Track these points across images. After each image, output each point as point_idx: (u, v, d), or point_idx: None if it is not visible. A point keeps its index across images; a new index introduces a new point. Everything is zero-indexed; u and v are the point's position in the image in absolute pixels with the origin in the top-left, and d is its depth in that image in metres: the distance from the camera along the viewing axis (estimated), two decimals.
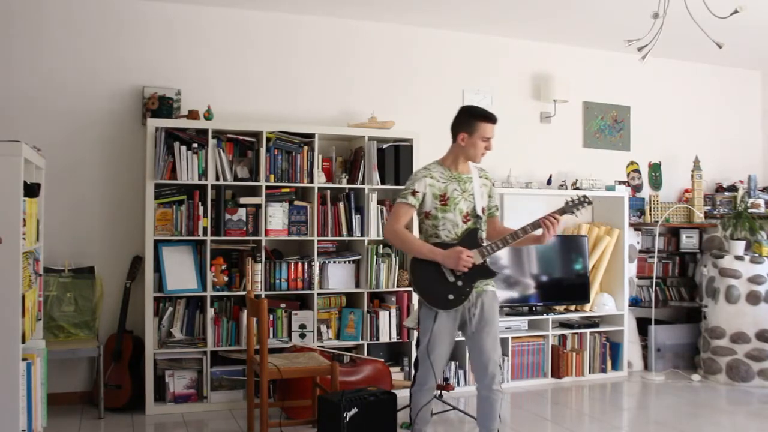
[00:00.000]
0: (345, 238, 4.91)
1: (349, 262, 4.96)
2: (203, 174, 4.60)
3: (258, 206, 4.70)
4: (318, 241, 4.83)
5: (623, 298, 5.74)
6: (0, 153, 2.90)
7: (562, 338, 5.57)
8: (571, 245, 5.64)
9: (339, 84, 5.34)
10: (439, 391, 4.52)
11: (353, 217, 4.90)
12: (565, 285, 5.58)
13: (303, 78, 5.25)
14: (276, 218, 4.74)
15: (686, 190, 6.36)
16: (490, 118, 3.33)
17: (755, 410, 4.83)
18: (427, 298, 3.28)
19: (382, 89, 5.44)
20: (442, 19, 5.40)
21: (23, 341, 2.99)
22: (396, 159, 5.01)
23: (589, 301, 5.67)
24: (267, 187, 4.72)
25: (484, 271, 3.29)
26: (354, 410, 3.55)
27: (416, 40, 5.57)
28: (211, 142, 4.61)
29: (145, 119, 4.66)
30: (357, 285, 4.97)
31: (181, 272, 4.58)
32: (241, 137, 4.77)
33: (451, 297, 3.25)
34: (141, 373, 4.54)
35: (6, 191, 2.90)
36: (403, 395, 4.05)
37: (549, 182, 5.77)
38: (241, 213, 4.68)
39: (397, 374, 4.87)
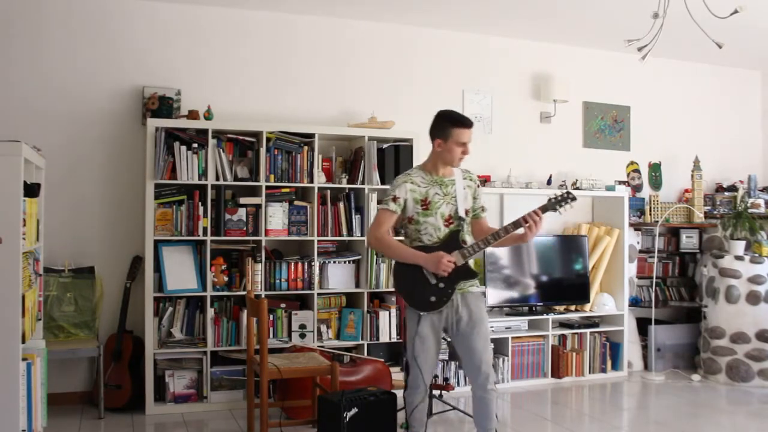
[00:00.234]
0: (345, 238, 4.91)
1: (349, 262, 4.96)
2: (203, 174, 4.61)
3: (258, 206, 4.70)
4: (318, 241, 4.83)
5: (623, 298, 5.74)
6: (0, 153, 2.90)
7: (562, 338, 5.57)
8: (571, 245, 5.64)
9: (339, 84, 5.34)
10: (439, 392, 4.52)
11: (353, 217, 4.91)
12: (565, 285, 5.58)
13: (303, 78, 5.25)
14: (276, 218, 4.74)
15: (686, 190, 6.36)
16: (465, 123, 3.30)
17: (755, 410, 4.83)
18: (410, 301, 3.31)
19: (382, 89, 5.44)
20: (442, 19, 5.40)
21: (23, 341, 2.99)
22: (396, 159, 5.01)
23: (589, 301, 5.67)
24: (267, 187, 4.72)
25: (466, 272, 3.30)
26: (354, 410, 3.55)
27: (416, 40, 5.57)
28: (211, 142, 4.62)
29: (145, 119, 4.66)
30: (357, 285, 4.98)
31: (181, 272, 4.58)
32: (241, 137, 4.77)
33: (433, 299, 3.27)
34: (141, 373, 4.53)
35: (6, 191, 2.91)
36: (403, 395, 4.04)
37: (549, 182, 5.77)
38: (241, 213, 4.68)
39: (397, 374, 4.87)
